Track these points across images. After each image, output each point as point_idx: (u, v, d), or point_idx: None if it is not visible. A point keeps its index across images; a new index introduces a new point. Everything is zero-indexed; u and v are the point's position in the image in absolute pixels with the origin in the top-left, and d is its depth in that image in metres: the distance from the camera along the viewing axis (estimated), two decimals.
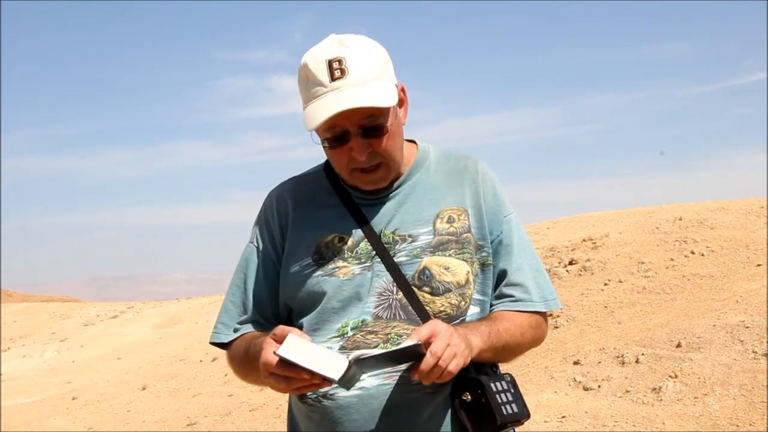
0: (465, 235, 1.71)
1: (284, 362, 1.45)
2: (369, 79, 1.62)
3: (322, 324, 1.68)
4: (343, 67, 1.61)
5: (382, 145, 1.65)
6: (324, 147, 1.70)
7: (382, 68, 1.66)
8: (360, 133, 1.63)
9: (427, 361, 1.47)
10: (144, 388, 12.48)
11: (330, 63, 1.61)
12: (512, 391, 1.63)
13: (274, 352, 1.46)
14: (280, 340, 1.49)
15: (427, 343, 1.48)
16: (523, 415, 1.61)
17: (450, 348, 1.49)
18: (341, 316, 1.67)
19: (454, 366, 1.49)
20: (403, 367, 1.60)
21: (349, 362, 1.44)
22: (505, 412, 1.57)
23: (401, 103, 1.73)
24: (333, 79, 1.60)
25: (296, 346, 1.45)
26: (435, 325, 1.51)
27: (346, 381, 1.47)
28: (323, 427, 1.66)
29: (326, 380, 1.46)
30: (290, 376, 1.47)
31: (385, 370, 1.62)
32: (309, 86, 1.64)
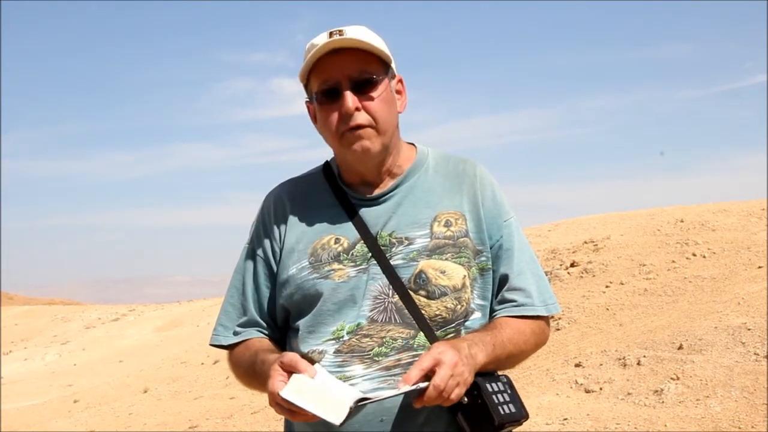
0: (462, 239, 1.71)
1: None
2: (365, 40, 1.67)
3: (318, 326, 1.68)
4: (342, 33, 1.67)
5: (374, 103, 1.68)
6: (317, 108, 1.72)
7: (380, 42, 1.72)
8: (352, 87, 1.67)
9: (430, 395, 1.48)
10: (145, 391, 12.48)
11: (331, 32, 1.67)
12: (509, 391, 1.62)
13: (279, 394, 1.47)
14: (287, 369, 1.50)
15: (432, 372, 1.48)
16: (521, 415, 1.61)
17: (453, 378, 1.49)
18: (336, 319, 1.67)
19: (456, 395, 1.51)
20: (398, 371, 1.61)
21: (350, 408, 1.46)
22: (502, 412, 1.56)
23: (399, 92, 1.78)
24: (330, 37, 1.66)
25: (301, 387, 1.47)
26: (440, 355, 1.50)
27: (348, 421, 1.49)
28: (320, 428, 1.65)
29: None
30: (294, 410, 1.48)
31: (381, 374, 1.62)
32: (309, 52, 1.69)
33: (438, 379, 1.47)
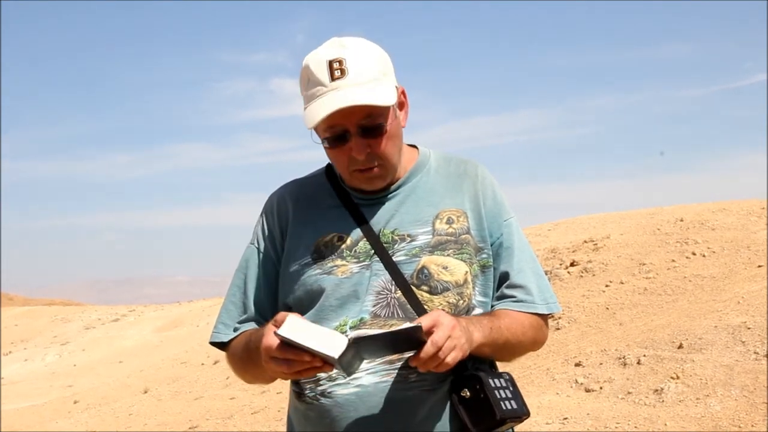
0: (464, 236, 1.72)
1: (285, 345, 1.47)
2: (368, 79, 1.64)
3: (321, 322, 1.67)
4: (343, 67, 1.63)
5: (381, 146, 1.67)
6: (324, 147, 1.71)
7: (382, 69, 1.68)
8: (359, 132, 1.65)
9: (427, 350, 1.48)
10: (146, 392, 12.48)
11: (330, 63, 1.63)
12: (511, 388, 1.63)
13: (275, 332, 1.48)
14: (281, 324, 1.50)
15: (429, 332, 1.48)
16: (522, 412, 1.61)
17: (451, 340, 1.50)
18: (339, 315, 1.68)
19: (452, 358, 1.50)
20: (401, 364, 1.61)
21: (349, 341, 1.45)
22: (504, 408, 1.57)
23: (401, 105, 1.75)
24: (333, 78, 1.63)
25: (297, 326, 1.47)
26: (438, 316, 1.52)
27: (346, 364, 1.48)
28: (321, 426, 1.67)
29: (327, 363, 1.47)
30: (291, 358, 1.48)
31: (384, 367, 1.62)
32: (309, 86, 1.66)
33: (436, 336, 1.48)
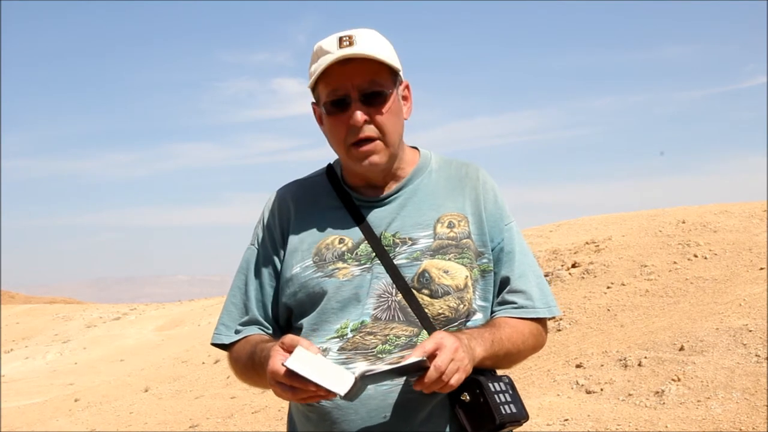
0: (465, 240, 1.72)
1: (291, 373, 1.47)
2: (375, 49, 1.67)
3: (322, 324, 1.69)
4: (352, 40, 1.66)
5: (382, 116, 1.68)
6: (325, 117, 1.71)
7: (389, 49, 1.72)
8: (360, 98, 1.66)
9: (431, 375, 1.49)
10: (146, 390, 12.48)
11: (340, 38, 1.67)
12: (510, 392, 1.64)
13: (282, 363, 1.47)
14: (288, 350, 1.50)
15: (432, 355, 1.49)
16: (522, 415, 1.62)
17: (454, 363, 1.50)
18: (340, 317, 1.68)
19: (456, 380, 1.52)
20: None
21: (355, 379, 1.46)
22: (503, 412, 1.58)
23: (405, 98, 1.77)
24: (341, 47, 1.66)
25: (304, 359, 1.47)
26: (440, 339, 1.52)
27: (351, 396, 1.48)
28: (322, 428, 1.67)
29: (331, 393, 1.47)
30: (296, 386, 1.48)
31: None
32: (318, 57, 1.69)
33: (439, 361, 1.49)
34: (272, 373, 1.51)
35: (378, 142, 1.69)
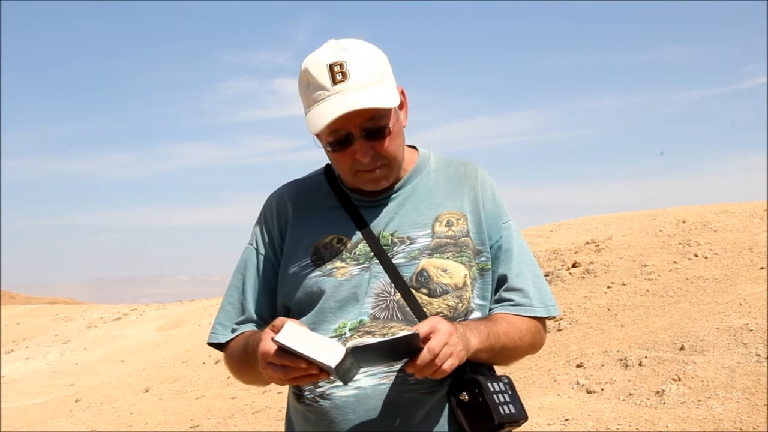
0: (463, 239, 1.72)
1: (282, 351, 1.46)
2: (370, 82, 1.63)
3: (320, 324, 1.68)
4: (344, 70, 1.62)
5: (385, 147, 1.67)
6: (327, 151, 1.71)
7: (382, 71, 1.68)
8: (363, 135, 1.64)
9: (423, 357, 1.47)
10: (147, 391, 12.48)
11: (331, 67, 1.62)
12: (510, 392, 1.63)
13: (273, 339, 1.47)
14: (278, 330, 1.49)
15: (426, 339, 1.48)
16: (521, 416, 1.61)
17: (447, 347, 1.49)
18: (339, 317, 1.67)
19: (449, 365, 1.50)
20: (399, 366, 1.60)
21: (346, 350, 1.45)
22: (502, 412, 1.57)
23: (401, 105, 1.74)
24: (335, 82, 1.62)
25: (295, 334, 1.46)
26: (436, 322, 1.52)
27: (343, 372, 1.47)
28: (320, 427, 1.66)
29: (324, 371, 1.46)
30: (288, 365, 1.48)
31: (382, 369, 1.62)
32: (310, 90, 1.65)
33: (433, 343, 1.48)
34: (263, 353, 1.50)
35: (384, 167, 1.69)
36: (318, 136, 1.69)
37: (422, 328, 1.49)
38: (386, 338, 1.51)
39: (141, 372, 15.07)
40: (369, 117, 1.63)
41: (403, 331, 1.50)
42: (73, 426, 11.29)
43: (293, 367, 1.48)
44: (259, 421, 8.42)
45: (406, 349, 1.49)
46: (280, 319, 1.54)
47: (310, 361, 1.45)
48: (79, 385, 15.55)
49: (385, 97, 1.63)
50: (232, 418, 8.98)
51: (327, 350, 1.45)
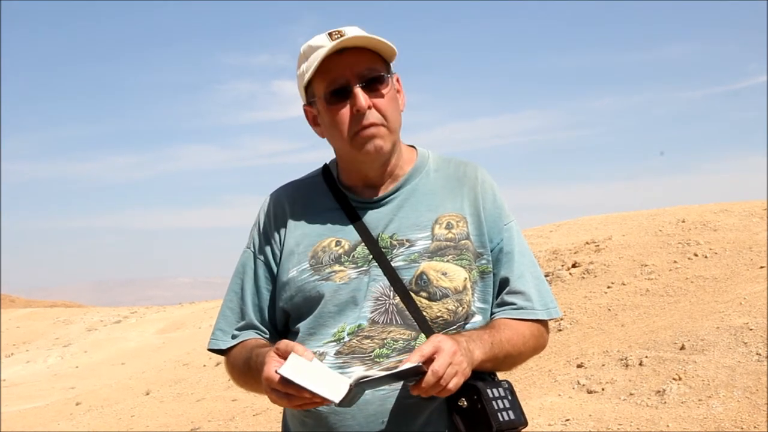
0: (463, 241, 1.70)
1: (286, 380, 1.46)
2: (367, 39, 1.67)
3: (319, 328, 1.67)
4: (342, 33, 1.66)
5: (383, 100, 1.68)
6: (325, 110, 1.70)
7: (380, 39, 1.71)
8: (361, 84, 1.66)
9: (428, 380, 1.46)
10: (147, 393, 12.47)
11: (330, 33, 1.67)
12: (510, 398, 1.61)
13: (276, 371, 1.46)
14: (283, 355, 1.49)
15: (430, 359, 1.47)
16: (520, 422, 1.60)
17: (452, 366, 1.48)
18: (337, 321, 1.66)
19: (454, 384, 1.49)
20: None
21: (350, 386, 1.44)
22: (501, 419, 1.56)
23: (398, 91, 1.77)
24: (333, 39, 1.66)
25: (298, 366, 1.46)
26: (439, 342, 1.49)
27: (347, 402, 1.47)
28: (317, 430, 1.65)
29: (327, 400, 1.45)
30: (291, 393, 1.47)
31: None
32: (309, 55, 1.68)
33: (437, 365, 1.46)
34: (267, 380, 1.49)
35: (381, 127, 1.68)
36: (314, 96, 1.71)
37: (425, 349, 1.47)
38: (390, 372, 1.49)
39: (142, 375, 15.05)
40: (367, 66, 1.66)
41: (407, 363, 1.47)
42: (73, 429, 11.28)
43: (297, 396, 1.47)
44: (260, 423, 8.42)
45: (411, 375, 1.48)
46: (284, 343, 1.52)
47: (313, 393, 1.45)
48: (80, 388, 15.53)
49: (381, 42, 1.66)
50: (233, 420, 8.98)
51: (331, 384, 1.44)
